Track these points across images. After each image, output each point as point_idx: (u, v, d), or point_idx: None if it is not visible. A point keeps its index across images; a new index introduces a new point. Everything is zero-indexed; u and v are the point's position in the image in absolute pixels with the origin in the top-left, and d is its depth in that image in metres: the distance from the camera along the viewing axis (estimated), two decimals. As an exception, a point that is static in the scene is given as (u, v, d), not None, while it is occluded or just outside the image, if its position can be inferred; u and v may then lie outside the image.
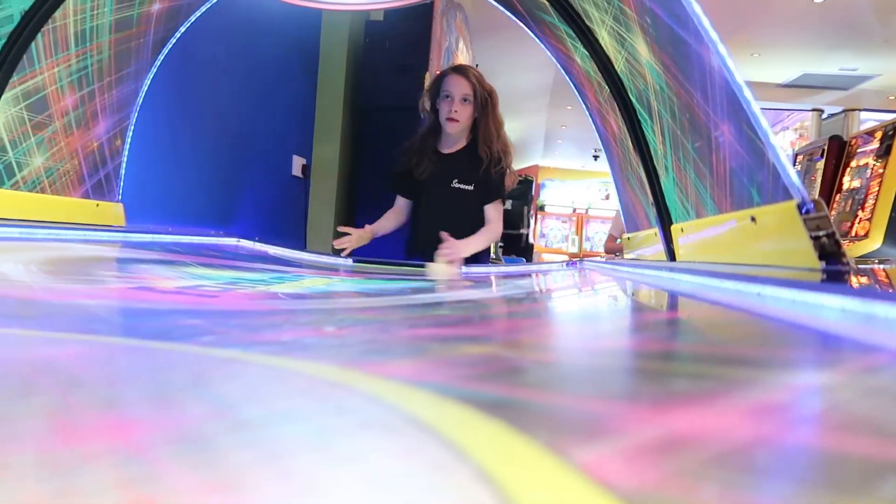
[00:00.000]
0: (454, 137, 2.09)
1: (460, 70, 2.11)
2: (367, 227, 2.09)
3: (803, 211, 0.86)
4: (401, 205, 2.18)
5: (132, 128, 2.06)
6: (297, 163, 3.48)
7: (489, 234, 2.09)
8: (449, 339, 0.65)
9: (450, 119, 2.03)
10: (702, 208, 1.29)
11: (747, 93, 0.99)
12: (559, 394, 0.41)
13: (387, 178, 2.20)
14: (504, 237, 6.82)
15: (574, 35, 1.66)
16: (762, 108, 0.97)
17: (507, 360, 0.54)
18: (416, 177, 2.08)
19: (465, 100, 2.02)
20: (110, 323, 0.68)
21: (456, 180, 2.07)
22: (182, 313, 0.75)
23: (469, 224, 2.06)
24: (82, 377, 0.41)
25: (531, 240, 8.31)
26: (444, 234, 1.91)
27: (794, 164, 4.87)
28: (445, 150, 2.11)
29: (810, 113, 5.48)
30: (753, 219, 1.00)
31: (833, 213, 4.36)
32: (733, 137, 1.06)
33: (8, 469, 0.24)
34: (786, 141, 6.61)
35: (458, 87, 2.03)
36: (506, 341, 0.66)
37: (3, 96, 1.55)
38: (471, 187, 2.07)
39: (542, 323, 0.92)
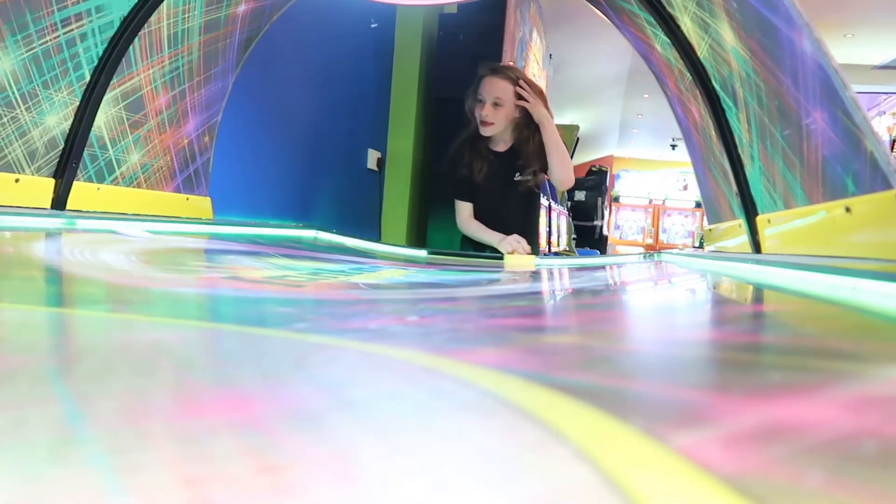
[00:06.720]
0: (498, 137, 2.10)
1: (495, 70, 2.09)
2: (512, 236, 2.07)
3: (904, 200, 0.81)
4: (470, 208, 2.17)
5: (219, 125, 2.15)
6: (373, 156, 3.55)
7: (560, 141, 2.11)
8: (530, 329, 0.66)
9: (482, 123, 2.05)
10: (790, 198, 1.24)
11: (842, 77, 0.94)
12: (649, 383, 0.41)
13: (453, 188, 2.16)
14: (577, 229, 6.76)
15: (654, 23, 1.62)
16: (856, 92, 0.93)
17: (593, 349, 0.54)
18: (474, 179, 2.09)
19: (495, 104, 2.02)
20: (210, 310, 0.72)
21: (517, 174, 2.11)
22: (273, 301, 0.79)
23: (528, 211, 2.18)
24: (194, 359, 0.44)
25: (605, 231, 8.17)
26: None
27: (893, 151, 4.58)
28: (499, 149, 2.13)
29: (910, 96, 5.14)
30: (848, 209, 0.96)
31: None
32: (826, 124, 1.01)
33: (147, 435, 0.27)
34: (882, 126, 6.21)
35: (490, 91, 2.03)
36: (590, 332, 0.66)
37: (104, 97, 1.65)
38: (529, 176, 2.12)
39: (623, 315, 0.92)
